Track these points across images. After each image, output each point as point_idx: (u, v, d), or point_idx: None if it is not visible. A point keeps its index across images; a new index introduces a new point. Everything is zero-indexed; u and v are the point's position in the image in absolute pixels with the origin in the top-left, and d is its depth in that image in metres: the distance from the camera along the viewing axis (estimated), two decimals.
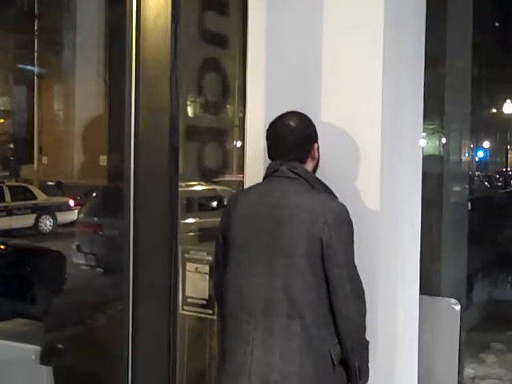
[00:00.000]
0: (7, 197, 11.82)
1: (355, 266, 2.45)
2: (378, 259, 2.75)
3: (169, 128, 2.50)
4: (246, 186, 2.77)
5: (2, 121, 22.49)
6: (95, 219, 9.21)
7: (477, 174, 19.69)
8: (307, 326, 2.40)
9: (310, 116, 2.58)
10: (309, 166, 2.58)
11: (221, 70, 3.22)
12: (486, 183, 18.01)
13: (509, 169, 22.55)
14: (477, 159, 23.46)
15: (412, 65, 3.02)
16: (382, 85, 2.71)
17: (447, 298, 3.30)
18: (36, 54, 15.49)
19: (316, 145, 2.60)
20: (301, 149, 2.55)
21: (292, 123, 2.54)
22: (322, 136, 2.60)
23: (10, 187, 12.56)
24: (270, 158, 2.58)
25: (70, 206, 11.98)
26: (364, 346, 2.51)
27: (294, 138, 2.54)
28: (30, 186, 13.47)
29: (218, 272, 2.66)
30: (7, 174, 18.08)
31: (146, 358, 2.69)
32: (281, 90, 2.84)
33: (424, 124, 4.08)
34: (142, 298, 2.71)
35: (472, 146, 21.96)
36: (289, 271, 2.41)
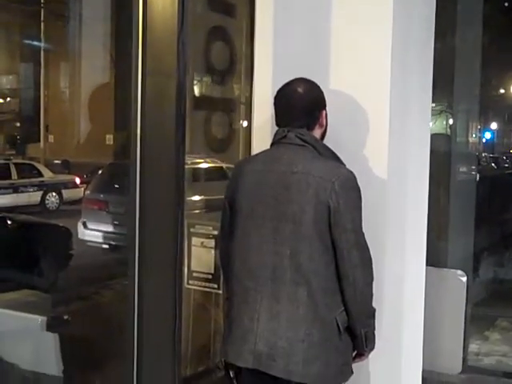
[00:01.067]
0: (14, 174, 11.82)
1: (363, 233, 2.44)
2: (386, 227, 2.74)
3: (175, 95, 2.47)
4: (254, 153, 2.76)
5: (8, 99, 22.48)
6: (101, 196, 9.19)
7: (484, 155, 19.62)
8: (314, 292, 2.39)
9: (318, 83, 2.56)
10: (316, 132, 2.56)
11: (228, 39, 3.19)
12: (493, 164, 17.95)
13: None
14: (484, 140, 23.39)
15: (421, 34, 3.00)
16: (391, 53, 2.70)
17: (454, 270, 3.30)
18: (42, 28, 15.25)
19: (324, 112, 2.58)
20: (309, 115, 2.53)
21: (300, 89, 2.52)
22: (330, 103, 2.58)
23: (16, 164, 12.55)
24: (277, 124, 2.56)
25: (76, 183, 11.98)
26: (370, 313, 2.51)
27: (301, 104, 2.52)
28: (36, 164, 13.44)
29: (224, 240, 2.65)
30: (14, 152, 18.09)
31: (151, 329, 2.69)
32: (289, 57, 2.82)
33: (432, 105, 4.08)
34: (147, 270, 2.70)
35: (479, 127, 21.86)
36: (296, 238, 2.40)
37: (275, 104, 2.56)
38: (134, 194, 2.70)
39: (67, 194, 11.70)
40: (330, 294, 2.42)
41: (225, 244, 2.66)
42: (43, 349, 3.20)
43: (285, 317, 2.41)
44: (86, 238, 8.32)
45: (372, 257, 2.45)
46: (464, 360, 3.32)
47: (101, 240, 8.35)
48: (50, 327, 3.48)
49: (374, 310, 2.51)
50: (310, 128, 2.53)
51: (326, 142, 2.58)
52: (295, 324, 2.40)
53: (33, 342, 3.34)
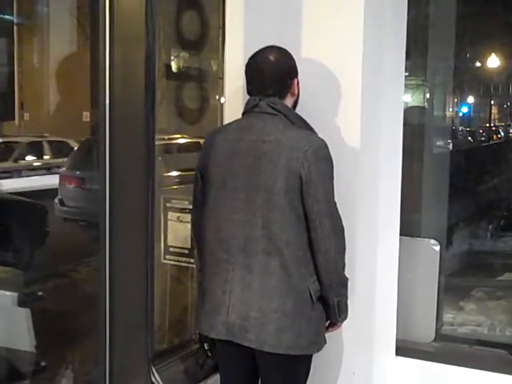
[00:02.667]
0: (47, 152, 11.67)
1: (335, 203, 2.42)
2: (358, 197, 2.74)
3: (144, 63, 2.43)
4: (226, 123, 2.73)
5: None
6: (77, 173, 9.08)
7: (460, 128, 19.72)
8: (286, 262, 2.38)
9: (290, 52, 2.53)
10: (288, 101, 2.53)
11: (199, 9, 3.14)
12: (470, 138, 18.07)
13: (492, 124, 22.58)
14: (461, 114, 23.47)
15: (394, 5, 2.97)
16: (364, 23, 2.68)
17: (427, 239, 3.32)
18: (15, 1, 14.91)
19: (296, 80, 2.54)
20: (280, 84, 2.50)
21: (271, 57, 2.48)
22: (302, 72, 2.55)
23: (49, 142, 12.39)
24: (248, 93, 2.52)
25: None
26: (343, 283, 2.50)
27: (273, 72, 2.48)
28: (70, 141, 13.22)
29: (197, 210, 2.63)
30: None
31: (123, 303, 2.66)
32: (261, 25, 2.79)
33: (408, 78, 4.07)
34: (118, 244, 2.66)
35: (456, 101, 21.94)
36: (268, 207, 2.38)
37: (246, 72, 2.53)
38: (104, 167, 2.66)
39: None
40: (302, 263, 2.41)
41: (197, 215, 2.63)
42: (16, 325, 3.18)
43: (257, 287, 2.40)
44: (63, 215, 8.23)
45: (344, 227, 2.44)
46: (437, 329, 3.35)
47: (77, 217, 8.26)
48: (23, 303, 3.46)
49: (347, 280, 2.50)
50: (282, 97, 2.50)
51: (298, 111, 2.56)
52: (268, 294, 2.39)
53: (5, 318, 3.31)
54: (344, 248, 2.46)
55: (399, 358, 3.20)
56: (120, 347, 2.66)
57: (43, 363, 3.17)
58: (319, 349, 2.52)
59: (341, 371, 2.80)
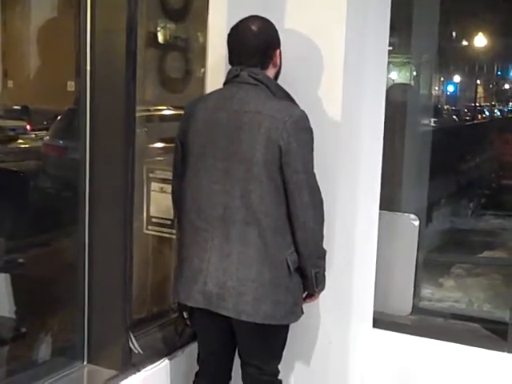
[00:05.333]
0: None
1: (314, 174, 2.43)
2: (338, 169, 2.75)
3: (126, 29, 2.40)
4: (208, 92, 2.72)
5: None
6: (60, 142, 9.00)
7: (446, 107, 19.72)
8: (264, 232, 2.39)
9: (273, 22, 2.52)
10: (270, 72, 2.52)
11: None
12: (455, 116, 18.08)
13: (477, 103, 22.60)
14: (447, 93, 23.46)
15: None
16: None
17: (406, 214, 3.34)
18: None
19: (278, 51, 2.53)
20: (262, 54, 2.48)
21: (254, 27, 2.47)
22: (284, 43, 2.53)
23: None
24: (230, 63, 2.51)
25: (26, 130, 11.73)
26: (321, 254, 2.51)
27: (255, 42, 2.47)
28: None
29: (176, 179, 2.63)
30: None
31: (101, 271, 2.67)
32: None
33: (394, 56, 4.04)
34: (97, 212, 2.66)
35: (442, 80, 21.94)
36: (246, 177, 2.38)
37: (228, 42, 2.51)
38: (84, 136, 2.64)
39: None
40: (280, 234, 2.42)
41: (177, 184, 2.64)
42: None
43: (235, 257, 2.41)
44: (45, 185, 8.18)
45: (323, 198, 2.45)
46: (414, 303, 3.39)
47: (60, 186, 8.21)
48: (2, 269, 3.47)
49: (325, 252, 2.52)
50: (264, 67, 2.49)
51: (279, 82, 2.55)
52: (246, 264, 2.40)
53: None
54: (322, 219, 2.47)
55: (376, 329, 3.24)
56: (99, 314, 2.67)
57: (23, 329, 3.17)
58: (296, 319, 2.54)
59: (317, 341, 2.83)
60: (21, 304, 3.21)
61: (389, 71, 4.14)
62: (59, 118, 9.91)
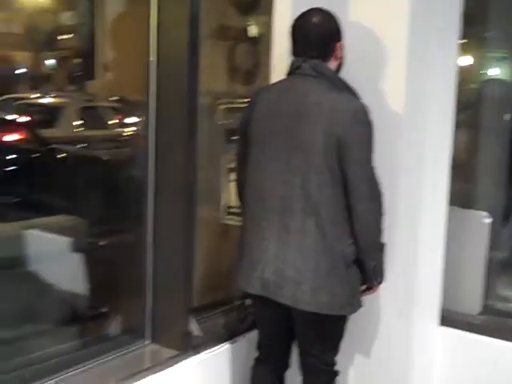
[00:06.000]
0: None
1: (372, 167, 2.42)
2: (400, 162, 2.73)
3: (189, 22, 2.47)
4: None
5: (68, 36, 22.65)
6: None
7: None
8: (322, 223, 2.40)
9: (336, 15, 2.53)
10: (332, 64, 2.53)
11: None
12: None
13: None
14: None
15: None
16: None
17: (478, 211, 3.27)
18: None
19: (340, 43, 2.54)
20: (324, 46, 2.50)
21: (316, 20, 2.49)
22: (347, 36, 2.54)
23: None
24: (292, 54, 2.54)
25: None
26: (379, 247, 2.51)
27: (316, 34, 2.49)
28: None
29: (240, 169, 2.68)
30: (73, 88, 18.34)
31: (166, 258, 2.76)
32: None
33: (492, 51, 3.95)
34: (162, 198, 2.74)
35: None
36: (306, 168, 2.40)
37: (291, 34, 2.54)
38: (148, 125, 2.72)
39: None
40: (338, 225, 2.43)
41: (240, 173, 2.69)
42: (73, 270, 3.34)
43: (293, 246, 2.43)
44: (134, 174, 8.41)
45: (382, 191, 2.44)
46: (486, 302, 3.30)
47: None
48: (84, 250, 3.64)
49: (383, 245, 2.51)
50: (325, 59, 2.50)
51: (342, 74, 2.56)
52: (303, 254, 2.43)
53: (65, 263, 3.48)
54: (381, 213, 2.46)
55: (443, 327, 3.18)
56: (162, 298, 2.76)
57: (103, 309, 3.32)
58: (354, 311, 2.55)
59: (377, 334, 2.82)
60: (94, 284, 3.37)
61: (486, 67, 4.09)
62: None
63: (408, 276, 2.90)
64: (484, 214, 3.24)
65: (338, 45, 2.53)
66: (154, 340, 2.78)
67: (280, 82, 2.59)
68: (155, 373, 2.59)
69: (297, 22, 2.52)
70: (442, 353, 3.18)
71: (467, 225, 3.24)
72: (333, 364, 2.64)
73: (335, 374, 2.65)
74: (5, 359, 2.62)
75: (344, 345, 2.65)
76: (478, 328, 3.16)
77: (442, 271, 3.14)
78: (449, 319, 3.19)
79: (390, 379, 2.91)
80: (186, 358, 2.71)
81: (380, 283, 2.57)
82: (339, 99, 2.41)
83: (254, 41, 3.29)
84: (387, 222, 2.49)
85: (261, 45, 3.27)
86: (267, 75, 2.96)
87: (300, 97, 2.44)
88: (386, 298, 2.78)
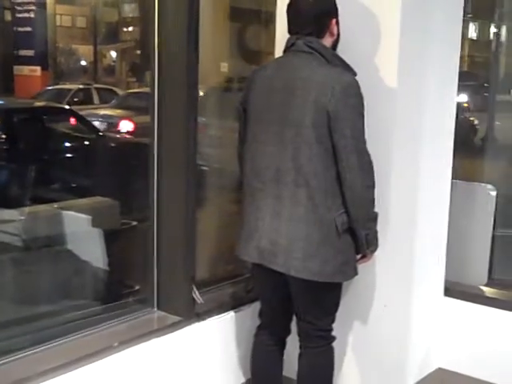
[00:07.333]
0: (96, 99, 12.41)
1: (363, 139, 2.49)
2: (394, 135, 2.78)
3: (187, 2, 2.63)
4: None
5: (130, 28, 23.00)
6: (202, 119, 9.38)
7: None
8: (313, 194, 2.50)
9: None
10: (327, 41, 2.60)
11: None
12: None
13: None
14: None
15: None
16: None
17: (483, 184, 3.29)
18: None
19: (335, 20, 2.61)
20: (318, 23, 2.57)
21: None
22: (342, 12, 2.59)
23: (97, 89, 13.12)
24: (288, 32, 2.62)
25: None
26: (371, 217, 2.58)
27: (311, 12, 2.56)
28: (115, 89, 13.86)
29: (240, 144, 2.79)
30: (135, 79, 18.72)
31: (169, 230, 2.91)
32: None
33: None
34: (164, 171, 2.90)
35: None
36: (297, 141, 2.49)
37: (287, 12, 2.62)
38: (153, 105, 2.86)
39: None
40: (330, 196, 2.51)
41: (240, 147, 2.80)
42: (92, 245, 3.54)
43: (286, 216, 2.53)
44: None
45: (372, 162, 2.51)
46: (490, 274, 3.34)
47: (200, 162, 8.62)
48: (119, 231, 3.84)
49: (376, 214, 2.58)
50: (320, 36, 2.57)
51: (340, 51, 2.62)
52: (295, 223, 2.52)
53: (83, 238, 3.68)
54: (372, 182, 2.53)
55: (447, 298, 3.24)
56: (166, 268, 2.92)
57: (122, 279, 3.51)
58: (346, 278, 2.64)
59: (373, 302, 2.89)
60: (118, 260, 3.56)
61: None
62: (202, 95, 10.37)
63: (404, 247, 2.95)
64: (489, 186, 3.27)
65: (332, 21, 2.60)
66: (160, 307, 2.94)
67: (276, 59, 2.70)
68: (159, 336, 2.75)
69: (291, 0, 2.62)
70: (446, 323, 3.23)
71: (473, 198, 3.28)
72: (328, 330, 2.72)
73: (331, 339, 2.74)
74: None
75: (343, 314, 2.74)
76: (483, 299, 3.20)
77: (446, 243, 3.19)
78: (453, 290, 3.24)
79: (390, 349, 2.98)
80: (189, 324, 2.86)
81: (373, 251, 2.64)
82: (330, 74, 2.49)
83: (261, 20, 3.37)
84: (383, 193, 2.56)
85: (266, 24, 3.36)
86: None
87: (292, 72, 2.53)
88: (379, 267, 2.84)
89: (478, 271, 3.30)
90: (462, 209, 3.24)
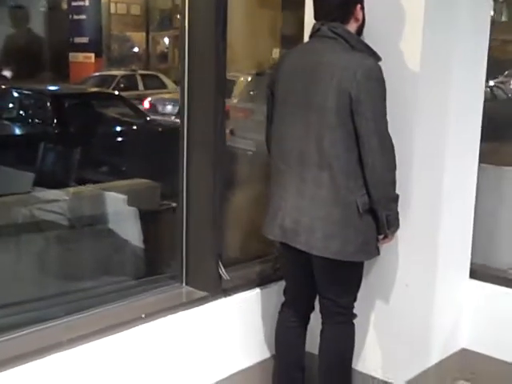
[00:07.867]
0: (140, 85, 12.59)
1: (384, 121, 2.56)
2: (416, 119, 2.82)
3: None
4: None
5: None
6: (248, 105, 9.46)
7: None
8: (335, 175, 2.58)
9: None
10: (351, 27, 2.67)
11: None
12: None
13: None
14: None
15: None
16: None
17: (510, 167, 3.31)
18: None
19: (359, 6, 2.67)
20: (343, 9, 2.65)
21: None
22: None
23: (142, 76, 13.26)
24: (314, 18, 2.71)
25: None
26: (392, 198, 2.64)
27: None
28: (160, 75, 13.93)
29: (268, 125, 2.88)
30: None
31: (197, 208, 3.03)
32: None
33: None
34: (193, 153, 3.02)
35: None
36: (320, 124, 2.58)
37: None
38: (183, 91, 2.98)
39: None
40: (351, 177, 2.59)
41: (268, 129, 2.89)
42: (129, 223, 3.71)
43: (309, 197, 2.63)
44: (233, 144, 8.73)
45: (393, 144, 2.57)
46: None
47: (245, 146, 8.72)
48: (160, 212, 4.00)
49: (396, 196, 2.64)
50: (344, 22, 2.64)
51: (365, 36, 2.68)
52: (317, 204, 2.62)
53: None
54: (393, 164, 2.60)
55: (473, 280, 3.27)
56: (194, 245, 3.05)
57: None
58: (368, 257, 2.73)
59: (395, 282, 2.95)
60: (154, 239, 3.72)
61: None
62: (247, 82, 10.45)
63: (428, 228, 3.00)
64: None
65: (357, 7, 2.67)
66: (188, 283, 3.07)
67: (302, 44, 2.79)
68: (186, 310, 2.89)
69: None
70: (471, 305, 3.27)
71: (500, 181, 3.30)
72: (349, 307, 2.81)
73: (352, 316, 2.82)
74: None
75: (365, 292, 2.82)
76: (508, 282, 3.23)
77: (473, 226, 3.22)
78: (479, 273, 3.27)
79: (413, 328, 3.04)
80: (215, 299, 2.99)
81: (394, 232, 2.71)
82: (353, 59, 2.56)
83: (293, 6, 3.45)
84: (407, 175, 2.64)
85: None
86: None
87: (316, 57, 2.61)
88: (402, 247, 2.90)
89: (504, 254, 3.33)
90: (489, 192, 3.26)
